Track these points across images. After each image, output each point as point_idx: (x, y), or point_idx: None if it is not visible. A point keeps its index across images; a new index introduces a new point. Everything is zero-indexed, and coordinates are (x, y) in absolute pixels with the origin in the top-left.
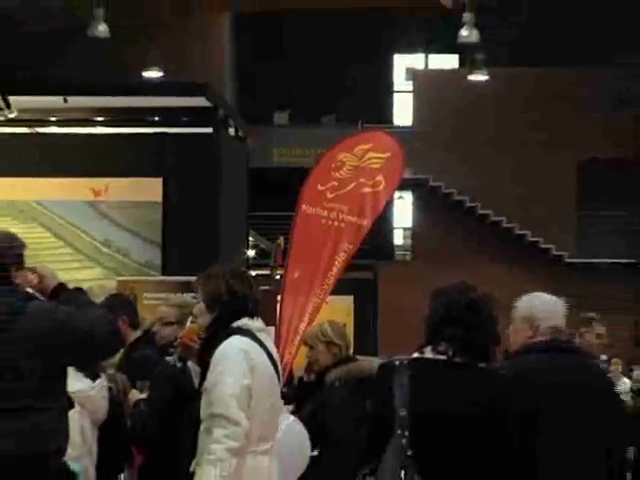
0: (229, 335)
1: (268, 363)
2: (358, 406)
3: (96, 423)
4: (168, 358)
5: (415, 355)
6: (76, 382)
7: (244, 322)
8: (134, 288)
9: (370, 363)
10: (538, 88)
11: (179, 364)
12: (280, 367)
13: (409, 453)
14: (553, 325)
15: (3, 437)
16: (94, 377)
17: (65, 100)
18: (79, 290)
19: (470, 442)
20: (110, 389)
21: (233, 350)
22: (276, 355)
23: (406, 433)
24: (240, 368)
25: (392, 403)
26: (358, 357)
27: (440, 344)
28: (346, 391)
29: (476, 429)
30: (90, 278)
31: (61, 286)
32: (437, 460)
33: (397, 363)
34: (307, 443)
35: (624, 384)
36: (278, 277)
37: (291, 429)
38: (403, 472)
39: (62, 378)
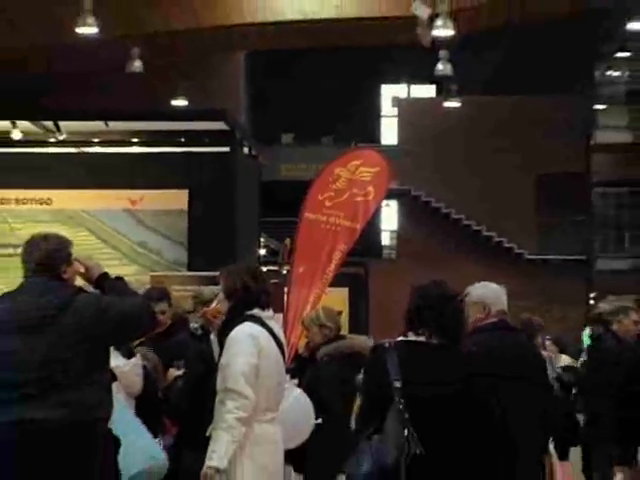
0: (242, 322)
1: (274, 346)
2: (346, 377)
3: (131, 396)
4: (191, 325)
5: (400, 338)
6: (112, 359)
7: (255, 312)
8: (164, 282)
9: (356, 340)
10: (504, 113)
11: (200, 331)
12: (286, 348)
13: (406, 416)
14: (501, 309)
15: (58, 408)
16: (129, 356)
17: (106, 124)
18: (120, 279)
19: (449, 403)
20: (144, 367)
21: (244, 335)
22: (283, 338)
23: (402, 400)
24: (249, 350)
25: (387, 377)
26: (348, 335)
27: (419, 329)
28: (335, 364)
29: (452, 394)
30: (127, 274)
31: (105, 275)
32: (427, 418)
33: (387, 345)
34: (311, 413)
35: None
36: (285, 272)
37: (297, 400)
38: (405, 430)
39: (106, 357)
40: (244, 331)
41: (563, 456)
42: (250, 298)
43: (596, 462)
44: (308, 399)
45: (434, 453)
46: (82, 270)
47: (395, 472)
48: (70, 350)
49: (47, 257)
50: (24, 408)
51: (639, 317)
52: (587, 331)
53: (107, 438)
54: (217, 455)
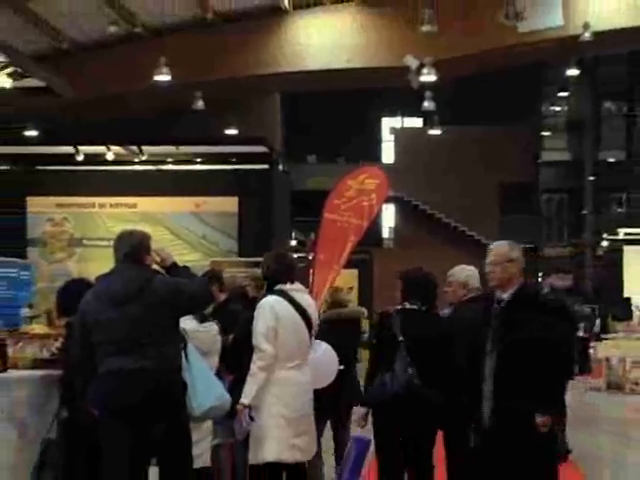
0: (271, 294)
1: (293, 312)
2: (340, 335)
3: (203, 351)
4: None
5: (399, 307)
6: (188, 323)
7: (280, 286)
8: (221, 265)
9: (352, 309)
10: (474, 138)
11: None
12: (314, 313)
13: (409, 360)
14: (476, 286)
15: (147, 359)
16: (202, 321)
17: (177, 148)
18: (186, 267)
19: (435, 349)
20: None
21: (266, 304)
22: (308, 306)
23: (405, 348)
24: (268, 316)
25: (393, 333)
26: (350, 305)
27: (412, 300)
28: (327, 326)
29: (436, 342)
30: (193, 260)
31: (175, 263)
32: (421, 360)
33: (391, 310)
34: (336, 361)
35: None
36: (310, 258)
37: (324, 353)
38: (410, 369)
39: (177, 323)
40: (267, 301)
41: None
42: (274, 277)
43: None
44: (333, 352)
45: (427, 382)
46: (158, 259)
47: (404, 396)
48: (150, 318)
49: (132, 248)
50: (121, 360)
51: None
52: None
53: (182, 382)
54: (244, 395)
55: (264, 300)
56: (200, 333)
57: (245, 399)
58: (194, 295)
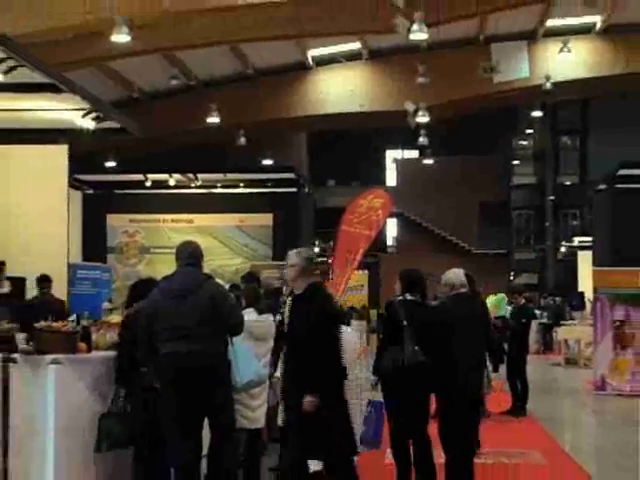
0: None
1: None
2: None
3: (259, 339)
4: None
5: (401, 298)
6: (249, 315)
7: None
8: (258, 267)
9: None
10: (459, 166)
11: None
12: None
13: (413, 339)
14: (460, 285)
15: (195, 344)
16: (260, 313)
17: (224, 175)
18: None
19: (432, 331)
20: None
21: None
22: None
23: (410, 330)
24: None
25: (399, 319)
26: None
27: (412, 293)
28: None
29: (432, 327)
30: (237, 263)
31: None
32: (422, 340)
33: (395, 301)
34: (355, 340)
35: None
36: (330, 261)
37: (348, 333)
38: (415, 346)
39: (220, 317)
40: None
41: (495, 369)
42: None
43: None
44: (355, 336)
45: (431, 358)
46: None
47: (411, 367)
48: (199, 312)
49: (190, 255)
50: (176, 344)
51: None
52: (503, 296)
53: (228, 362)
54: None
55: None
56: (258, 323)
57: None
58: (233, 318)
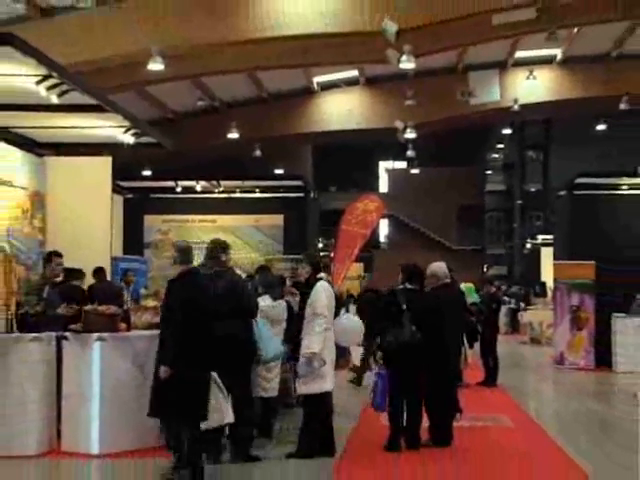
0: (318, 280)
1: (332, 292)
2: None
3: (274, 323)
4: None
5: (401, 286)
6: (265, 300)
7: (321, 275)
8: (272, 261)
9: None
10: (441, 174)
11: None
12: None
13: (410, 320)
14: (444, 276)
15: (228, 327)
16: (275, 299)
17: (243, 182)
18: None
19: (427, 314)
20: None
21: (323, 286)
22: (333, 289)
23: (408, 313)
24: (326, 294)
25: (399, 303)
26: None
27: (411, 281)
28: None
29: (427, 312)
30: (253, 257)
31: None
32: (419, 322)
33: (396, 289)
34: (360, 324)
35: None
36: (332, 255)
37: (349, 318)
38: (413, 326)
39: (242, 303)
40: (322, 284)
41: (470, 345)
42: (316, 269)
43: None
44: (356, 317)
45: (424, 336)
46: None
47: (410, 344)
48: (233, 301)
49: (215, 250)
50: (219, 325)
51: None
52: (471, 285)
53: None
54: (314, 346)
55: (320, 283)
56: (273, 308)
57: (316, 348)
58: (251, 304)
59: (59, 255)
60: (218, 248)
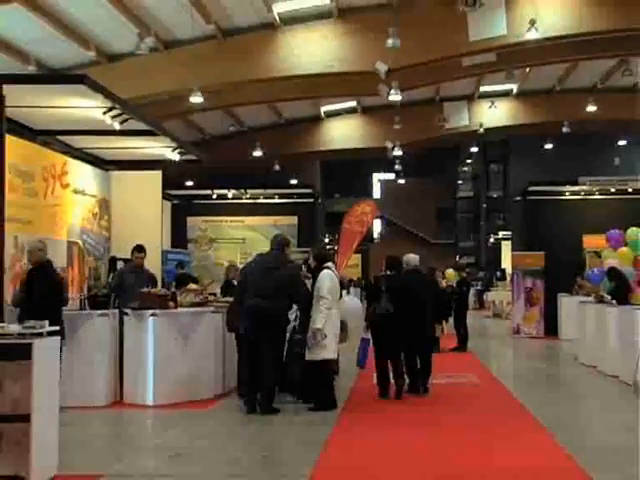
0: (323, 268)
1: (336, 278)
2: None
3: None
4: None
5: (383, 273)
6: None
7: (327, 264)
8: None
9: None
10: (422, 184)
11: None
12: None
13: (388, 298)
14: (415, 264)
15: (273, 302)
16: None
17: (264, 190)
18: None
19: (399, 292)
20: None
21: (328, 273)
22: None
23: (386, 293)
24: (330, 279)
25: (381, 286)
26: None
27: (390, 269)
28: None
29: (400, 290)
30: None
31: None
32: (395, 298)
33: (381, 274)
34: (359, 303)
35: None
36: (335, 249)
37: (351, 299)
38: (388, 303)
39: (287, 289)
40: (327, 272)
41: (446, 320)
42: (323, 260)
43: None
44: (358, 298)
45: (396, 309)
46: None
47: (385, 315)
48: (278, 284)
49: (278, 243)
50: (260, 301)
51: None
52: (451, 271)
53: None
54: (318, 322)
55: (325, 271)
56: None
57: (319, 324)
58: (300, 293)
59: (141, 250)
60: (283, 242)
